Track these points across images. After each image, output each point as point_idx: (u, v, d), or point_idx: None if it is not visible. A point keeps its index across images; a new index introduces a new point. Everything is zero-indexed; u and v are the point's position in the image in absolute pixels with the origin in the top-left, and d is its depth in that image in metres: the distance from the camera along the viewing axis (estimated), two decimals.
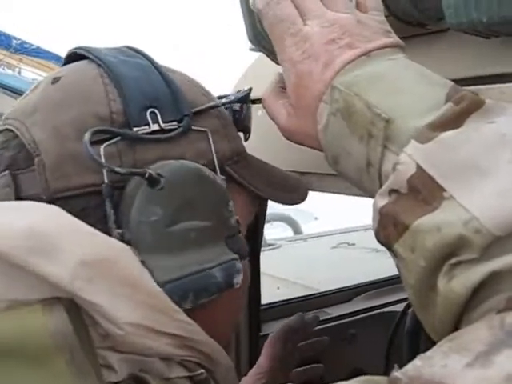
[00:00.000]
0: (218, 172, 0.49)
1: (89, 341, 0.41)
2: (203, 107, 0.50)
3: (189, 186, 0.45)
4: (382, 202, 0.41)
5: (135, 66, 0.49)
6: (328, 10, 0.50)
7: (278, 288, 2.12)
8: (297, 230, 4.99)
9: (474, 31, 0.49)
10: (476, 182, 0.37)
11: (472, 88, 0.47)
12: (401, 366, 0.32)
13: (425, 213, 0.37)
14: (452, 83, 0.44)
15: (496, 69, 0.53)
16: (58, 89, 0.48)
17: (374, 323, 1.39)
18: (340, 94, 0.46)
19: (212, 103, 0.52)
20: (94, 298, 0.40)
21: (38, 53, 9.43)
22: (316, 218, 6.97)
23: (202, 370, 0.46)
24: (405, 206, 0.39)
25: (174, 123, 0.48)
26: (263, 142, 0.69)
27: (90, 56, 0.50)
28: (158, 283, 0.43)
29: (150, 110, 0.47)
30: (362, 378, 0.34)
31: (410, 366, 0.32)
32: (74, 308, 0.40)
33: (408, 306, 1.22)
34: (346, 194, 0.66)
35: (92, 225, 0.42)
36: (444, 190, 0.37)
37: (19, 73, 9.62)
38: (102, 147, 0.44)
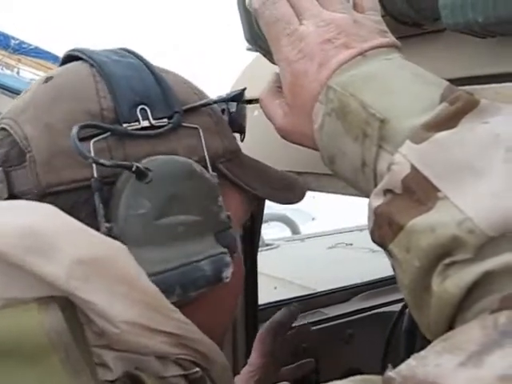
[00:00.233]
0: (210, 169, 0.49)
1: (84, 339, 0.41)
2: (194, 104, 0.51)
3: (177, 179, 0.45)
4: (377, 202, 0.41)
5: (127, 66, 0.49)
6: (324, 9, 0.50)
7: (276, 288, 2.11)
8: (295, 230, 4.98)
9: (470, 31, 0.50)
10: (470, 182, 0.37)
11: (467, 88, 0.47)
12: (397, 366, 0.32)
13: (419, 213, 0.37)
14: (447, 83, 0.44)
15: (492, 69, 0.53)
16: (50, 87, 0.48)
17: (371, 323, 1.40)
18: (335, 93, 0.46)
19: (203, 101, 0.52)
20: (90, 296, 0.40)
21: (37, 53, 9.43)
22: (313, 219, 6.96)
23: (198, 369, 0.46)
24: (399, 207, 0.39)
25: (165, 120, 0.48)
26: (260, 142, 0.69)
27: (84, 57, 0.50)
28: None
29: (140, 107, 0.47)
30: (358, 377, 0.34)
31: (403, 366, 0.32)
32: (69, 306, 0.40)
33: (405, 306, 1.22)
34: (343, 193, 0.66)
35: (82, 219, 0.42)
36: (438, 191, 0.37)
37: (18, 73, 9.62)
38: (91, 142, 0.44)
